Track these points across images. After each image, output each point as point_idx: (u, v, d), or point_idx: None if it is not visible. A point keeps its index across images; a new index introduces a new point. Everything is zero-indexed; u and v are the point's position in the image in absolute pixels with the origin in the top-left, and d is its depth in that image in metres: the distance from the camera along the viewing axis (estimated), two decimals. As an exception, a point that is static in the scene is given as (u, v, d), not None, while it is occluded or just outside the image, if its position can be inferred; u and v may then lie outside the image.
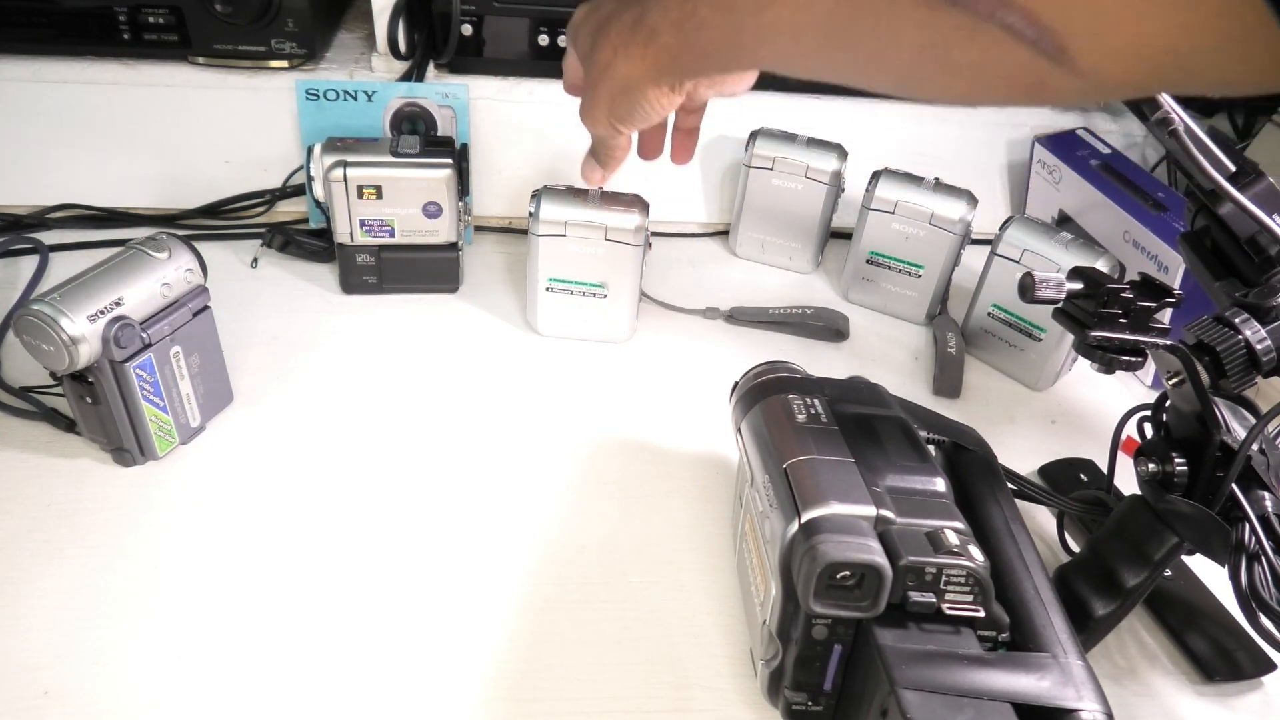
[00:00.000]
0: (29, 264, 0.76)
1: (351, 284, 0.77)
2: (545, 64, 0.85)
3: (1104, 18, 0.29)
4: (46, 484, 0.58)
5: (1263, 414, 0.49)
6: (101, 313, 0.54)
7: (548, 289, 0.73)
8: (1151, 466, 0.51)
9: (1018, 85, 0.32)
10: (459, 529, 0.59)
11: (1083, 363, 0.74)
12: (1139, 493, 0.52)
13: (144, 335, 0.56)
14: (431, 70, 0.84)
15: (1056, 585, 0.48)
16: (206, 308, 0.60)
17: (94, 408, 0.57)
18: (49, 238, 0.79)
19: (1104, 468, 0.60)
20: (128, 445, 0.58)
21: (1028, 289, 0.51)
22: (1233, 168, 0.51)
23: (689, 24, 0.43)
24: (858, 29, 0.37)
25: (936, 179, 0.78)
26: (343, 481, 0.61)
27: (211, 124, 0.82)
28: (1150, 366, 0.74)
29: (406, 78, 0.82)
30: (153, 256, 0.57)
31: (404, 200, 0.73)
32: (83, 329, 0.53)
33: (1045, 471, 0.68)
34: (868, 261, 0.81)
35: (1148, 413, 0.55)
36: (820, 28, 0.38)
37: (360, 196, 0.72)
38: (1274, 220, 0.51)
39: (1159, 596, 0.58)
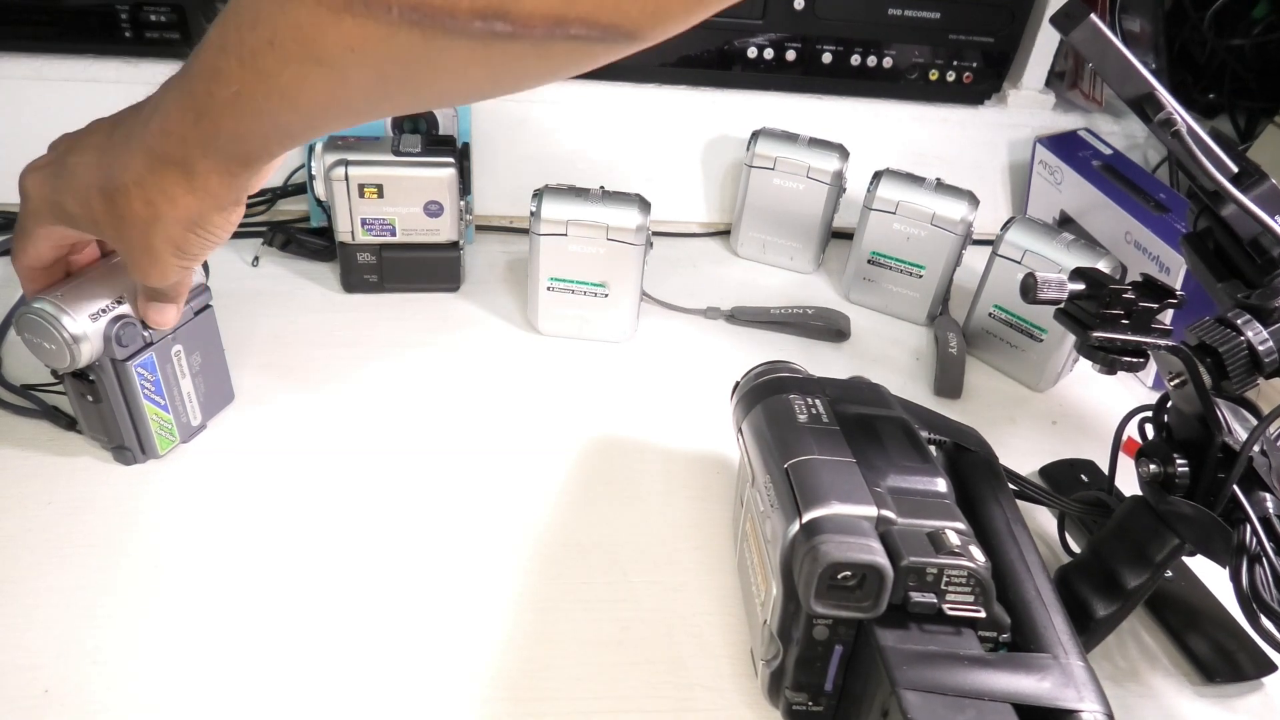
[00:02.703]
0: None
1: (352, 283, 0.77)
2: (547, 63, 0.85)
3: (659, 5, 0.34)
4: (47, 483, 0.58)
5: (1264, 415, 0.49)
6: (103, 311, 0.54)
7: (549, 288, 0.73)
8: (1153, 467, 0.51)
9: (594, 63, 0.36)
10: (459, 529, 0.59)
11: (1084, 363, 0.74)
12: (1140, 494, 0.52)
13: (145, 334, 0.56)
14: (433, 69, 0.84)
15: (1057, 586, 0.48)
16: (208, 306, 0.60)
17: (95, 406, 0.57)
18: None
19: (1105, 469, 0.60)
20: (128, 443, 0.58)
21: (1029, 290, 0.51)
22: (1235, 169, 0.51)
23: (218, 142, 0.42)
24: (414, 82, 0.38)
25: (938, 179, 0.78)
26: (343, 480, 0.61)
27: (213, 122, 0.82)
28: (1152, 367, 0.74)
29: (408, 77, 0.82)
30: None
31: (405, 199, 0.73)
32: (84, 327, 0.53)
33: (1046, 472, 0.68)
34: (869, 262, 0.81)
35: (1149, 414, 0.55)
36: (370, 93, 0.38)
37: (361, 195, 0.72)
38: (1276, 222, 0.50)
39: (1160, 597, 0.58)
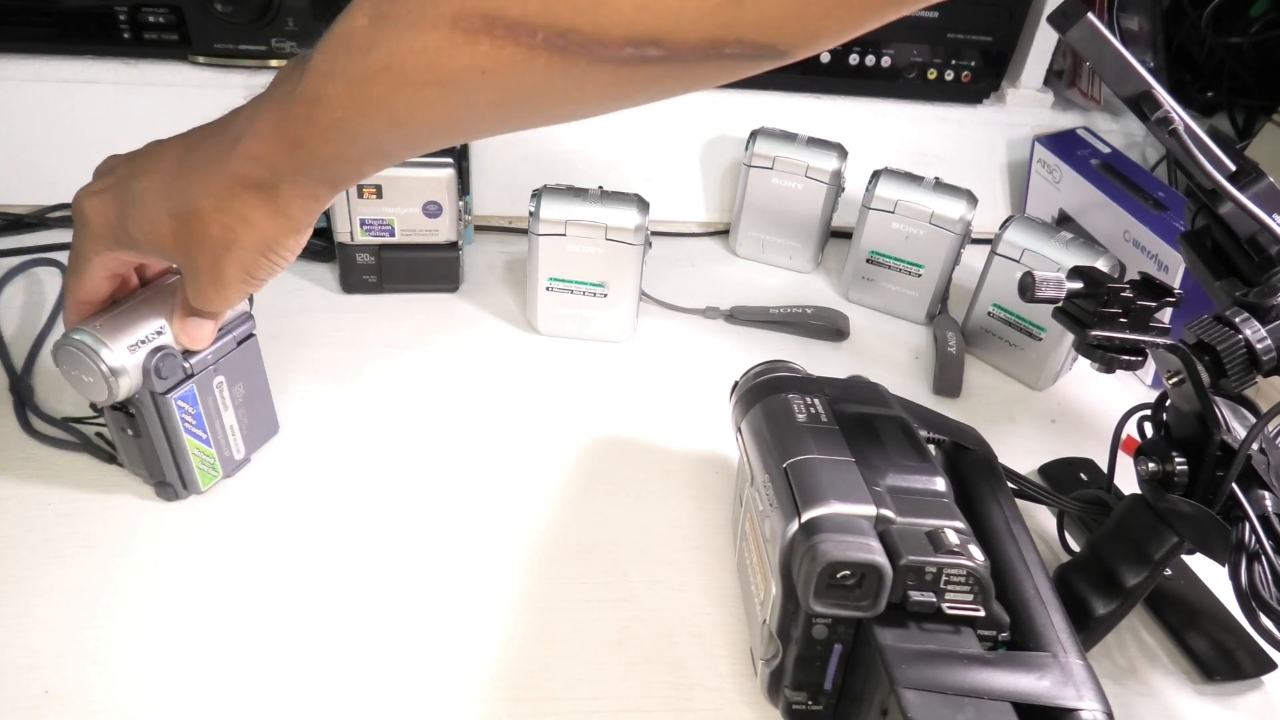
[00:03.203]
0: (42, 275, 0.75)
1: (351, 283, 0.77)
2: (545, 63, 0.85)
3: (818, 25, 0.33)
4: (46, 484, 0.58)
5: (1263, 413, 0.49)
6: (143, 342, 0.51)
7: (548, 288, 0.73)
8: (1152, 466, 0.51)
9: (736, 77, 0.35)
10: (458, 529, 0.59)
11: (1083, 362, 0.74)
12: (1139, 492, 0.52)
13: (186, 365, 0.53)
14: (432, 70, 0.84)
15: (1057, 584, 0.48)
16: (252, 335, 0.57)
17: (135, 440, 0.55)
18: (49, 237, 0.79)
19: (1104, 467, 0.60)
20: (170, 479, 0.56)
21: (1028, 288, 0.51)
22: (1233, 167, 0.51)
23: (311, 168, 0.42)
24: (537, 105, 0.37)
25: (936, 178, 0.78)
26: (341, 480, 0.61)
27: (212, 123, 0.82)
28: (1150, 366, 0.74)
29: (407, 77, 0.82)
30: None
31: (404, 199, 0.73)
32: (123, 359, 0.50)
33: (1045, 471, 0.68)
34: (868, 261, 0.81)
35: (1148, 412, 0.55)
36: (486, 113, 0.38)
37: (360, 196, 0.72)
38: (1274, 220, 0.51)
39: (1159, 596, 0.58)
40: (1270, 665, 0.55)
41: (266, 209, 0.43)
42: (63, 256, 0.76)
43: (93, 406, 0.55)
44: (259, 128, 0.42)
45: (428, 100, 0.37)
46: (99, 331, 0.50)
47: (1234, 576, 0.46)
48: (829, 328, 0.79)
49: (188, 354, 0.54)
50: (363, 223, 0.73)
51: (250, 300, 0.57)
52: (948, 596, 0.42)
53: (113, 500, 0.58)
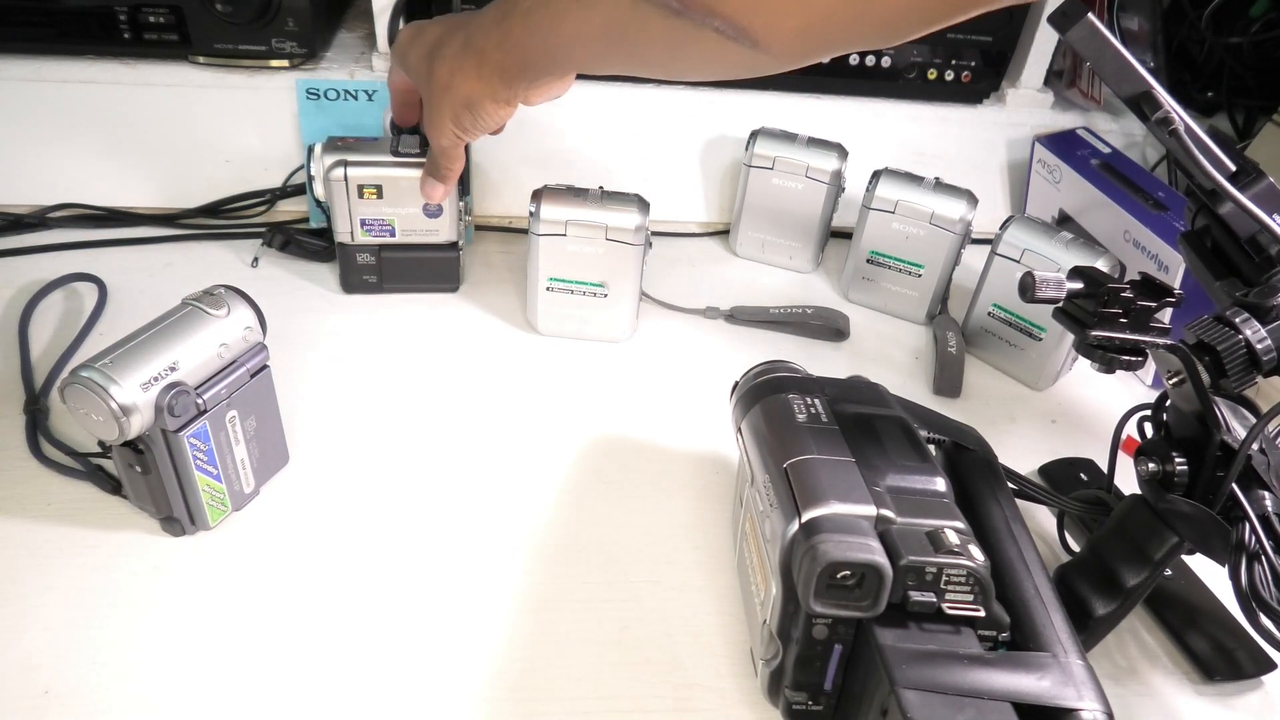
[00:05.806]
0: (81, 291, 0.75)
1: (352, 283, 0.77)
2: (545, 63, 0.85)
3: (779, 15, 0.42)
4: (43, 484, 0.58)
5: (1263, 413, 0.49)
6: (155, 380, 0.50)
7: (548, 288, 0.73)
8: (1152, 466, 0.51)
9: (735, 66, 0.45)
10: (458, 529, 0.59)
11: (1083, 362, 0.74)
12: (1139, 492, 0.52)
13: (199, 401, 0.52)
14: (432, 70, 0.84)
15: (1057, 585, 0.48)
16: (265, 367, 0.56)
17: (143, 477, 0.53)
18: (49, 237, 0.79)
19: (1104, 467, 0.60)
20: (177, 514, 0.55)
21: (1028, 288, 0.51)
22: (1233, 167, 0.51)
23: (508, 43, 0.53)
24: (627, 37, 0.48)
25: (937, 178, 0.78)
26: (341, 480, 0.61)
27: (212, 123, 0.82)
28: (1150, 366, 0.74)
29: (407, 77, 0.82)
30: (210, 315, 0.53)
31: (405, 200, 0.73)
32: (135, 397, 0.49)
33: (1045, 471, 0.68)
34: (868, 261, 0.81)
35: (1148, 412, 0.55)
36: (600, 38, 0.49)
37: (361, 196, 0.72)
38: (1274, 220, 0.51)
39: (1159, 596, 0.58)
40: (1270, 665, 0.55)
41: (475, 70, 0.54)
42: (101, 271, 0.75)
43: (101, 444, 0.54)
44: (494, 4, 0.53)
45: (570, 13, 0.48)
46: (109, 368, 0.48)
47: (1234, 576, 0.46)
48: (829, 328, 0.79)
49: (200, 388, 0.52)
50: (363, 223, 0.73)
51: (264, 328, 0.56)
52: (948, 596, 0.42)
53: (115, 504, 0.58)
